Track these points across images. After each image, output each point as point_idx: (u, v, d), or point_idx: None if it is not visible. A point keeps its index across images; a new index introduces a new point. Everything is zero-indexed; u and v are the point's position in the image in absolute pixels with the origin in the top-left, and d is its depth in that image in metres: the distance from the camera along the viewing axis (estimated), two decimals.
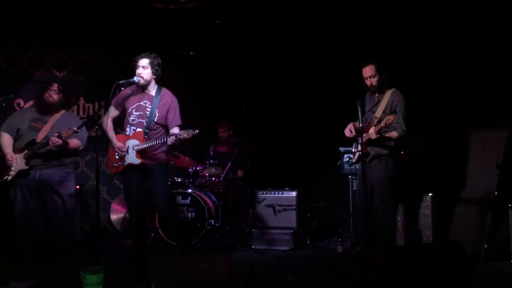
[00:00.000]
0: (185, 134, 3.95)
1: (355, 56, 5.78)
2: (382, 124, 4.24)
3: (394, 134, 4.43)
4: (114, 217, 6.67)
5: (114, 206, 6.71)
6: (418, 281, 3.59)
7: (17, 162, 4.68)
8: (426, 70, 5.86)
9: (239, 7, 5.84)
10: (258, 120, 6.70)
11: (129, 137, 4.31)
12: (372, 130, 4.40)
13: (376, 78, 4.57)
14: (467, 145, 5.17)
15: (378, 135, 4.35)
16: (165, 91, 4.41)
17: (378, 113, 4.50)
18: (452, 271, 3.68)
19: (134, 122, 4.32)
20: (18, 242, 4.77)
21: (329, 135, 5.65)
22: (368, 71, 4.58)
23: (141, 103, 4.33)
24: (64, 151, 4.74)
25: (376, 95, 4.66)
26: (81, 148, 4.91)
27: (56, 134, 4.54)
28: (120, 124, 4.59)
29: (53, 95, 4.82)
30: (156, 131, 4.33)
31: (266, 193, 5.91)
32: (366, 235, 4.56)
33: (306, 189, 6.10)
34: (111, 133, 4.39)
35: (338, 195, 5.75)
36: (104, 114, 4.48)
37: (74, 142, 4.78)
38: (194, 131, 3.97)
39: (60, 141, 4.54)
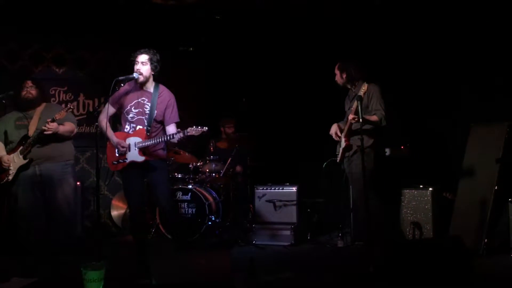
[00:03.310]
0: (194, 132, 3.92)
1: (357, 50, 5.80)
2: (361, 92, 4.31)
3: (374, 117, 4.55)
4: (114, 213, 6.68)
5: (115, 202, 6.72)
6: (418, 275, 3.60)
7: (15, 161, 4.71)
8: (426, 66, 5.85)
9: (238, 2, 5.82)
10: (258, 115, 6.69)
11: (129, 135, 4.29)
12: (350, 116, 4.49)
13: (337, 76, 4.86)
14: (467, 140, 5.17)
15: (357, 116, 4.35)
16: (162, 88, 4.39)
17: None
18: (452, 266, 3.70)
19: (133, 120, 4.29)
20: (19, 238, 4.79)
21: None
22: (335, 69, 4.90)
23: (139, 100, 4.31)
24: (59, 137, 4.76)
25: (353, 90, 4.75)
26: (75, 131, 4.92)
27: (49, 120, 4.62)
28: (118, 121, 4.59)
29: (31, 91, 4.87)
30: (156, 128, 4.32)
31: (267, 189, 5.92)
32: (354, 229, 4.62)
33: (306, 185, 6.10)
34: (109, 130, 4.35)
35: (338, 190, 5.76)
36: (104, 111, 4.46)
37: (66, 126, 4.79)
38: (203, 128, 3.94)
39: (55, 124, 4.62)
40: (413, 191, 5.28)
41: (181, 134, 3.98)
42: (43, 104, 4.94)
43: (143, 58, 4.24)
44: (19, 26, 6.07)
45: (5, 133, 4.84)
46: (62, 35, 6.46)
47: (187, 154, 6.38)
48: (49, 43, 6.53)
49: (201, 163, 6.38)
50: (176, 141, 4.12)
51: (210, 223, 5.72)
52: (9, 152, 4.76)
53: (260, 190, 5.95)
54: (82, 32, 6.42)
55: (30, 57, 6.40)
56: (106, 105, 4.36)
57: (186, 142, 4.18)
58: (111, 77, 4.12)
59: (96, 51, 6.85)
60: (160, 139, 4.15)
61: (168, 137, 4.12)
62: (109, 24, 6.30)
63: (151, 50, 4.30)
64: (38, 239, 4.76)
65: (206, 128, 3.97)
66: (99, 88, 6.61)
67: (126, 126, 4.34)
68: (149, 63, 4.25)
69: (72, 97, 6.62)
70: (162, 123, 4.36)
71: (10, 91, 4.98)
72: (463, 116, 5.53)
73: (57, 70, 6.60)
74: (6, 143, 4.84)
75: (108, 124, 4.33)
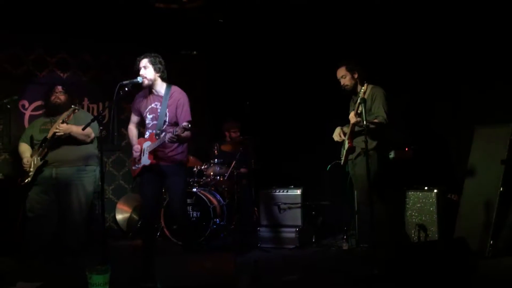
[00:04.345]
0: (179, 130, 3.92)
1: (359, 52, 5.79)
2: (361, 94, 4.25)
3: (375, 121, 4.51)
4: (119, 217, 6.70)
5: (120, 206, 6.74)
6: (423, 277, 3.59)
7: (34, 162, 4.81)
8: (429, 67, 5.84)
9: (241, 5, 5.83)
10: (262, 118, 6.69)
11: (144, 140, 4.35)
12: (352, 114, 4.46)
13: (347, 78, 4.73)
14: (471, 141, 5.16)
15: (359, 118, 4.34)
16: (174, 89, 4.37)
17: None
18: (456, 267, 3.68)
19: (149, 125, 4.34)
20: (27, 241, 4.81)
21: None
22: (339, 73, 4.78)
23: (153, 105, 4.33)
24: (74, 140, 4.82)
25: (358, 92, 4.72)
26: (92, 136, 4.94)
27: (60, 121, 4.73)
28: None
29: (60, 96, 4.98)
30: (170, 131, 4.30)
31: (271, 191, 5.91)
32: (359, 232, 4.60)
33: (311, 187, 6.09)
34: (133, 136, 4.49)
35: (343, 193, 5.75)
36: (109, 115, 4.50)
37: (79, 129, 4.64)
38: (187, 124, 3.93)
39: (64, 126, 4.72)
40: (418, 193, 5.26)
41: (170, 134, 3.98)
42: (70, 110, 4.99)
43: (143, 62, 4.28)
44: (22, 30, 6.09)
45: (31, 137, 4.98)
46: (66, 40, 6.48)
47: (191, 157, 6.39)
48: (52, 48, 6.55)
49: (205, 166, 6.38)
50: (167, 141, 4.06)
51: (214, 226, 5.72)
52: (33, 154, 4.88)
53: (264, 193, 5.94)
54: (85, 36, 6.45)
55: (33, 62, 6.43)
56: (131, 115, 4.53)
57: (180, 142, 4.17)
58: (114, 81, 4.14)
59: (100, 56, 6.88)
60: (159, 141, 4.15)
61: (162, 139, 4.10)
62: (112, 28, 6.31)
63: (151, 53, 4.32)
64: (46, 242, 4.78)
65: (189, 125, 3.93)
66: (103, 92, 6.63)
67: (146, 132, 4.39)
68: (150, 65, 4.26)
69: (77, 101, 6.64)
70: (177, 125, 4.34)
71: (14, 96, 5.06)
72: (467, 117, 5.52)
73: (61, 74, 6.62)
74: (32, 147, 4.97)
75: (135, 131, 4.52)
